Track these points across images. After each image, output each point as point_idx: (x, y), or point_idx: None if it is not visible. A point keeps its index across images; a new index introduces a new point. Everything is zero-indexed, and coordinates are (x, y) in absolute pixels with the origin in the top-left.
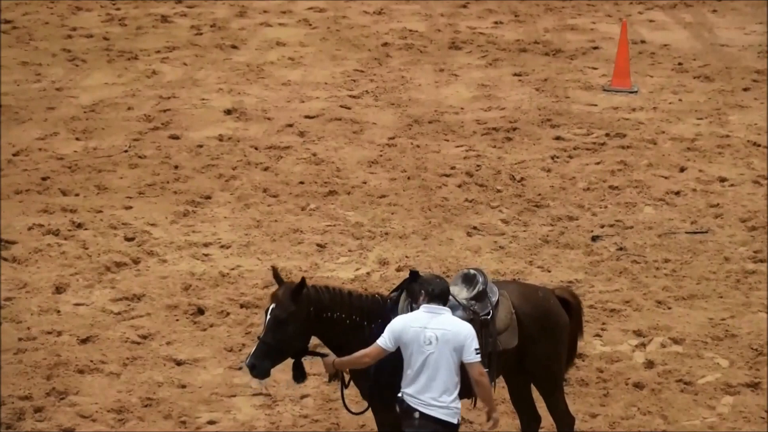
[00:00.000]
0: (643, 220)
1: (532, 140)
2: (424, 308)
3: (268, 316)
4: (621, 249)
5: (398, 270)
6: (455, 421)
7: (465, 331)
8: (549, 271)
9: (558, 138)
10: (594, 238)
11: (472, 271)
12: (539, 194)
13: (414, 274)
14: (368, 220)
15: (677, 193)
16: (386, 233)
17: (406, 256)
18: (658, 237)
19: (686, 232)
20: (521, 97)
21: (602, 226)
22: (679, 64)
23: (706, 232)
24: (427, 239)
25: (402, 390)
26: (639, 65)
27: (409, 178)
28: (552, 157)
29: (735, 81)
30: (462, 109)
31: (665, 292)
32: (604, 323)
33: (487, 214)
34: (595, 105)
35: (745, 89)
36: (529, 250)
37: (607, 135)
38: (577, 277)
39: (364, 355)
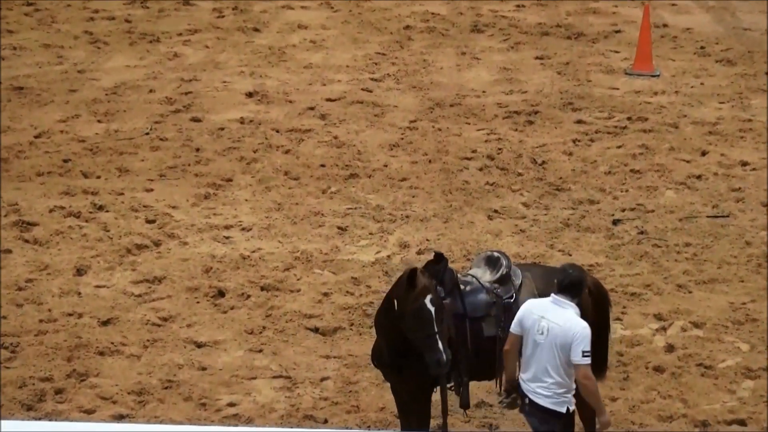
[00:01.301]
0: (664, 203)
1: (553, 124)
2: (552, 298)
3: None
4: (642, 233)
5: (419, 253)
6: (563, 410)
7: (575, 331)
8: (570, 255)
9: (579, 121)
10: (615, 222)
11: (495, 254)
12: (560, 178)
13: (439, 256)
14: (389, 203)
15: (698, 177)
16: (407, 216)
17: (427, 239)
18: (679, 221)
19: (707, 216)
20: (543, 81)
21: (623, 210)
22: (702, 47)
23: (728, 216)
24: (448, 222)
25: (520, 374)
26: (661, 49)
27: (430, 161)
28: (573, 141)
29: (757, 65)
30: (483, 92)
31: (686, 276)
32: (624, 307)
33: (508, 198)
34: (617, 89)
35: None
36: (550, 234)
37: (628, 119)
38: (597, 261)
39: (506, 348)
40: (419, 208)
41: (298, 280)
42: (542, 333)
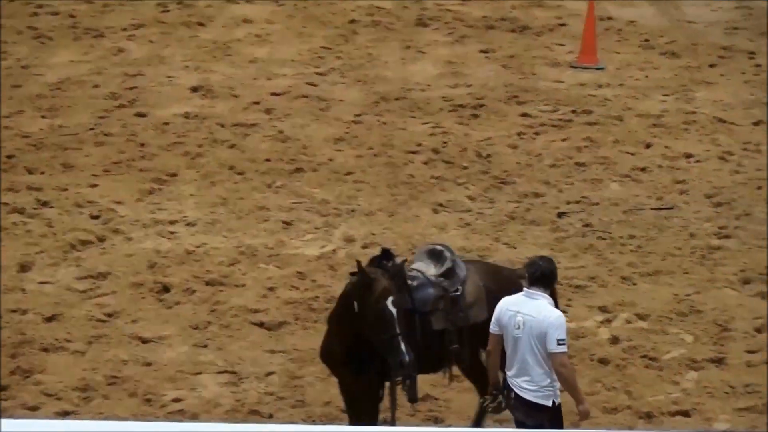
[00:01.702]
0: (608, 196)
1: (498, 117)
2: (524, 292)
3: None
4: (587, 225)
5: (364, 247)
6: (549, 403)
7: (549, 320)
8: (515, 248)
9: (524, 115)
10: (560, 215)
11: (438, 247)
12: (505, 171)
13: (386, 253)
14: (334, 198)
15: (643, 170)
16: (352, 210)
17: (372, 233)
18: (624, 213)
19: (652, 209)
20: (488, 74)
21: (568, 203)
22: (646, 40)
23: (672, 208)
24: (393, 216)
25: (506, 370)
26: (606, 42)
27: (375, 155)
28: (518, 134)
29: (701, 57)
30: (429, 86)
31: (630, 268)
32: (569, 299)
33: (454, 191)
34: (562, 82)
35: (712, 65)
36: (495, 227)
37: (573, 111)
38: (543, 254)
39: (488, 349)
40: (364, 202)
41: (243, 274)
42: (519, 327)
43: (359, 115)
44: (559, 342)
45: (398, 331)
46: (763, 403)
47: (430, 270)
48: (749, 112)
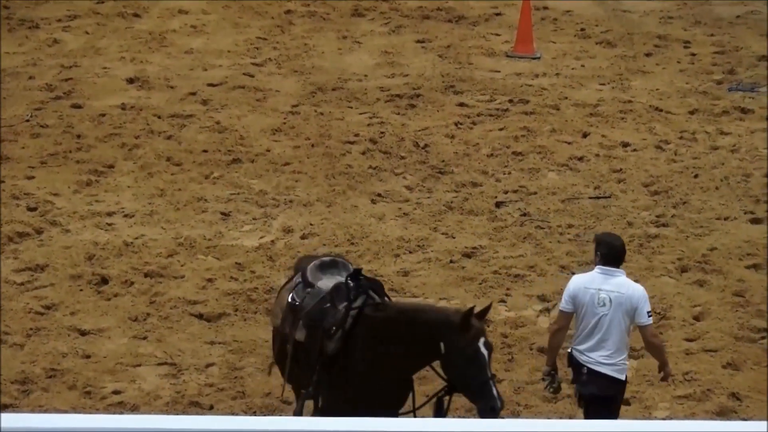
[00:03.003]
0: (546, 185)
1: (435, 107)
2: (598, 269)
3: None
4: (525, 215)
5: (303, 238)
6: (623, 377)
7: (638, 295)
8: (453, 238)
9: (461, 104)
10: (498, 204)
11: (335, 259)
12: (443, 161)
13: (357, 272)
14: (272, 188)
15: (580, 159)
16: (290, 201)
17: (311, 224)
18: (562, 202)
19: (589, 198)
20: (424, 64)
21: (506, 192)
22: (582, 30)
23: (609, 197)
24: (332, 207)
25: (573, 346)
26: (542, 31)
27: (312, 145)
28: (455, 124)
29: (637, 46)
30: (365, 76)
31: (569, 257)
32: (508, 289)
33: (391, 181)
34: (498, 71)
35: (647, 54)
36: (434, 217)
37: (510, 101)
38: (481, 243)
39: (556, 327)
40: (302, 192)
41: (182, 266)
42: (604, 305)
43: (296, 106)
44: (649, 314)
45: (489, 375)
46: (702, 390)
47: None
48: (685, 101)
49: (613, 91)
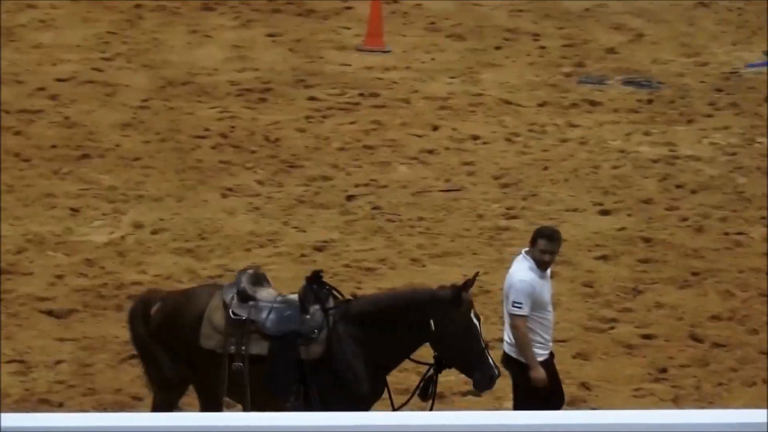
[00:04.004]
0: (397, 179)
1: (286, 101)
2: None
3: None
4: (376, 208)
5: (153, 233)
6: (522, 359)
7: (511, 282)
8: (304, 231)
9: (312, 98)
10: (349, 198)
11: (257, 271)
12: (294, 155)
13: (317, 276)
14: (122, 183)
15: (431, 152)
16: (140, 196)
17: (161, 219)
18: (413, 195)
19: (440, 191)
20: (275, 58)
21: (357, 186)
22: (432, 23)
23: (460, 189)
24: (182, 201)
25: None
26: (392, 25)
27: (162, 140)
28: (306, 118)
29: (487, 40)
30: (215, 70)
31: (420, 250)
32: (360, 282)
33: (242, 176)
34: (349, 65)
35: (497, 48)
36: (285, 211)
37: (360, 95)
38: (332, 237)
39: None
40: (153, 187)
41: (30, 262)
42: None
43: (146, 101)
44: (514, 304)
45: (484, 345)
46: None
47: (273, 293)
48: (534, 94)
49: (463, 85)
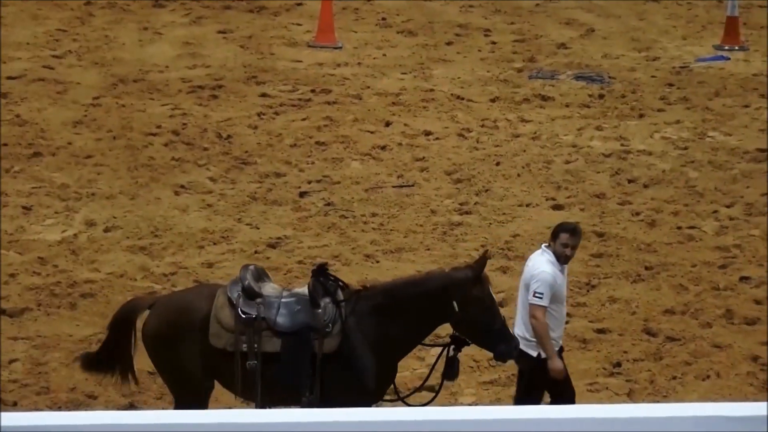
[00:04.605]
0: (350, 175)
1: (237, 97)
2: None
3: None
4: (329, 204)
5: (106, 231)
6: (533, 354)
7: (533, 272)
8: (257, 228)
9: (264, 95)
10: (302, 194)
11: (256, 266)
12: (246, 151)
13: (323, 268)
14: (74, 181)
15: (383, 148)
16: (93, 194)
17: (114, 217)
18: (365, 191)
19: (393, 186)
20: (226, 55)
21: (310, 182)
22: (383, 19)
23: (413, 185)
24: (135, 199)
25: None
26: (343, 21)
27: (114, 138)
28: (258, 114)
29: (438, 35)
30: (167, 67)
31: (373, 246)
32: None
33: (195, 173)
34: (300, 61)
35: (448, 43)
36: (237, 208)
37: (312, 91)
38: (285, 234)
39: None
40: (105, 185)
41: None
42: (522, 274)
43: (97, 98)
44: (535, 294)
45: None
46: (506, 376)
47: (277, 289)
48: (486, 89)
49: (415, 80)
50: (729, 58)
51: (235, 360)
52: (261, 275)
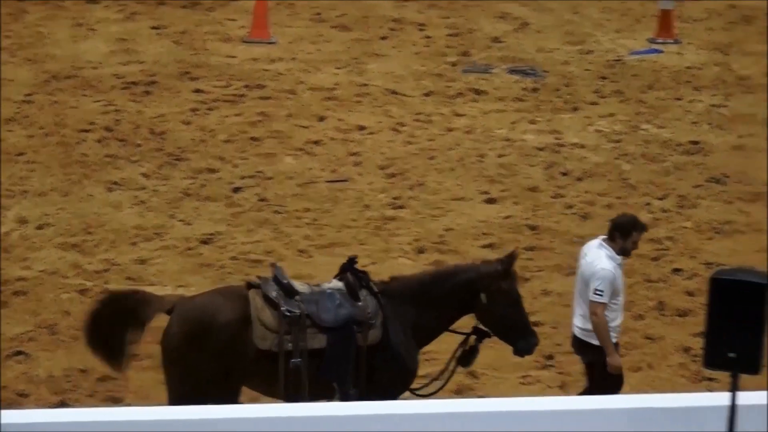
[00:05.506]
0: (283, 170)
1: (171, 93)
2: (599, 239)
3: None
4: (262, 200)
5: (38, 228)
6: (594, 342)
7: (594, 269)
8: (190, 224)
9: (197, 91)
10: (235, 190)
11: (276, 266)
12: (179, 147)
13: (352, 261)
14: (6, 179)
15: (317, 143)
16: (25, 191)
17: (46, 214)
18: (299, 187)
19: (326, 181)
20: (160, 51)
21: (243, 178)
22: (317, 14)
23: (346, 180)
24: (67, 196)
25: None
26: (277, 16)
27: (47, 134)
28: (192, 110)
29: (372, 30)
30: (100, 63)
31: (307, 241)
32: (246, 274)
33: (128, 169)
34: (234, 57)
35: (383, 38)
36: (171, 204)
37: (246, 86)
38: (218, 229)
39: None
40: (37, 182)
41: None
42: (579, 270)
43: (30, 95)
44: (596, 292)
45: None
46: (440, 369)
47: (304, 287)
48: (420, 83)
49: (349, 75)
50: (662, 51)
51: (280, 359)
52: (284, 273)
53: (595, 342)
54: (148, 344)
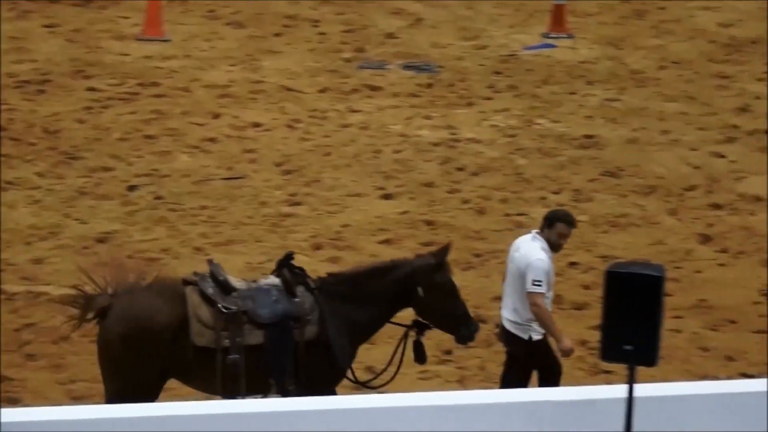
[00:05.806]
0: (178, 168)
1: (65, 92)
2: (533, 232)
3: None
4: (158, 198)
5: None
6: (525, 337)
7: (529, 261)
8: (86, 223)
9: (91, 89)
10: (130, 188)
11: (212, 262)
12: (74, 146)
13: (288, 257)
14: None
15: (212, 140)
16: None
17: None
18: (194, 184)
19: (222, 179)
20: (53, 49)
21: (138, 176)
22: (211, 11)
23: (242, 177)
24: None
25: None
26: (171, 13)
27: None
28: (85, 109)
29: (266, 27)
30: None
31: (203, 239)
32: (143, 272)
33: (22, 168)
34: (128, 55)
35: (277, 35)
36: (65, 203)
37: (140, 84)
38: (114, 228)
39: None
40: None
41: None
42: (512, 262)
43: None
44: (534, 282)
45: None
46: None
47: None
48: (315, 80)
49: (244, 72)
50: (556, 46)
51: (217, 356)
52: (221, 269)
53: (524, 336)
54: (43, 344)
